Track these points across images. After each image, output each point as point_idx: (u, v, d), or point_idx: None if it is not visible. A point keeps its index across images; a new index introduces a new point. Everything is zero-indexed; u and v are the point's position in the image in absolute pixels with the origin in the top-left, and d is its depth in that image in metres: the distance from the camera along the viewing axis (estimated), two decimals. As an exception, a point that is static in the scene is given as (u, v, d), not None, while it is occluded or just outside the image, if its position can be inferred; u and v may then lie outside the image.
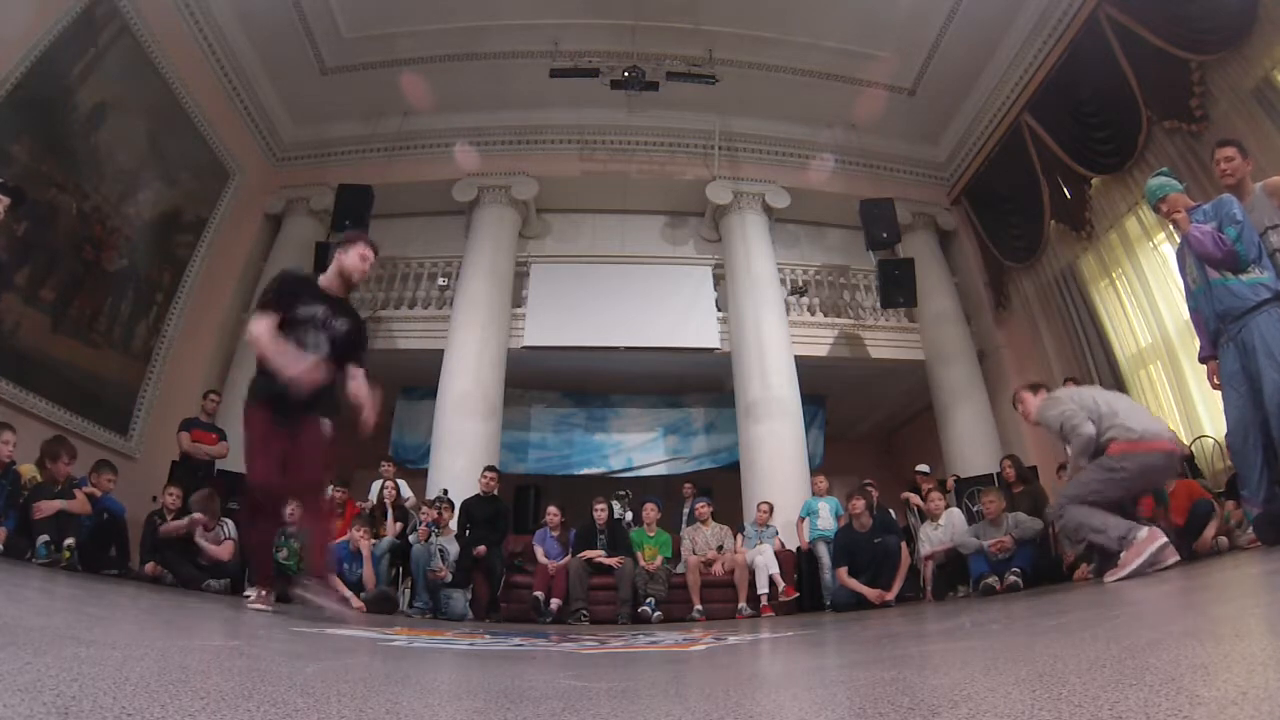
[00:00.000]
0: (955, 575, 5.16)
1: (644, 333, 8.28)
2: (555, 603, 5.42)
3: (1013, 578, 4.49)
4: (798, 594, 5.79)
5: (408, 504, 6.22)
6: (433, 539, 5.44)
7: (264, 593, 3.11)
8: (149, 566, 4.91)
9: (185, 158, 7.42)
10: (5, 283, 5.27)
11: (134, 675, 0.90)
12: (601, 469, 8.85)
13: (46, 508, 4.33)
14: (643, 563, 5.83)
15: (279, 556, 4.66)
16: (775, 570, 5.75)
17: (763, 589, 5.68)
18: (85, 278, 6.19)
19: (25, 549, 4.15)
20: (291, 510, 3.71)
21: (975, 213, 8.99)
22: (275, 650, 1.55)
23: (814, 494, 6.69)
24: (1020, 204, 8.11)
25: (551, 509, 6.22)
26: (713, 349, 8.34)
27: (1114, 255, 7.11)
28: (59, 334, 5.93)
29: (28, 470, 4.59)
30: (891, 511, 6.45)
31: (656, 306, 8.46)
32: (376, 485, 6.20)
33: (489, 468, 6.28)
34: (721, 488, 7.92)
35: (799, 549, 6.29)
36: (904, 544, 5.54)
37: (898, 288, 8.26)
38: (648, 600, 5.55)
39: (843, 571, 5.34)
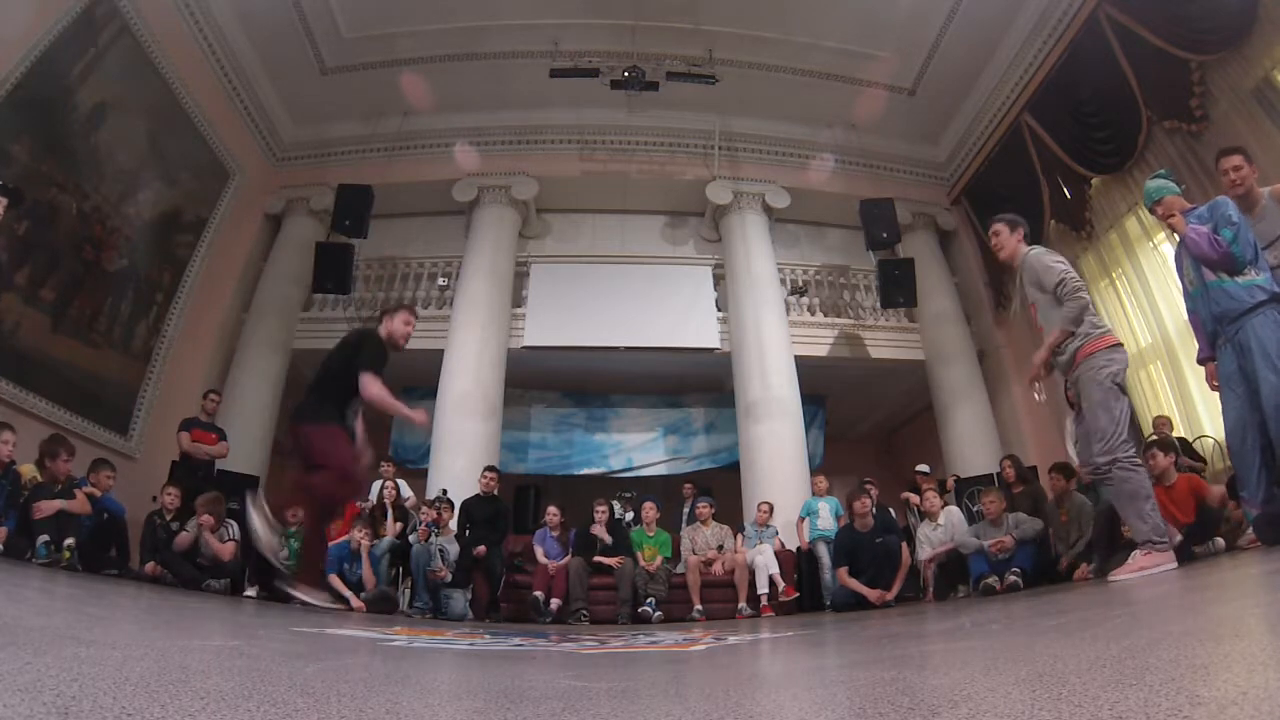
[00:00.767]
0: (955, 575, 5.17)
1: (644, 333, 8.28)
2: (555, 603, 5.42)
3: (1013, 578, 4.50)
4: (798, 594, 5.79)
5: (408, 504, 6.21)
6: (433, 539, 5.44)
7: (312, 589, 3.48)
8: (149, 566, 4.92)
9: (185, 158, 7.42)
10: (5, 283, 5.28)
11: (134, 675, 0.90)
12: (601, 469, 8.85)
13: (46, 508, 4.34)
14: (643, 563, 5.84)
15: (280, 556, 4.66)
16: (775, 570, 5.75)
17: (763, 589, 5.68)
18: (85, 278, 6.19)
19: (25, 549, 4.15)
20: (292, 511, 3.77)
21: (975, 213, 8.97)
22: (275, 650, 1.55)
23: (814, 494, 6.68)
24: (1020, 204, 8.01)
25: (551, 509, 6.22)
26: (713, 349, 8.33)
27: (1114, 255, 7.11)
28: (59, 334, 5.92)
29: (28, 470, 4.59)
30: (891, 511, 6.45)
31: (656, 306, 8.46)
32: (376, 485, 6.19)
33: (489, 468, 6.29)
34: (721, 488, 7.91)
35: (799, 549, 6.29)
36: (904, 544, 5.55)
37: (898, 288, 8.26)
38: (648, 600, 5.56)
39: (843, 572, 5.34)
